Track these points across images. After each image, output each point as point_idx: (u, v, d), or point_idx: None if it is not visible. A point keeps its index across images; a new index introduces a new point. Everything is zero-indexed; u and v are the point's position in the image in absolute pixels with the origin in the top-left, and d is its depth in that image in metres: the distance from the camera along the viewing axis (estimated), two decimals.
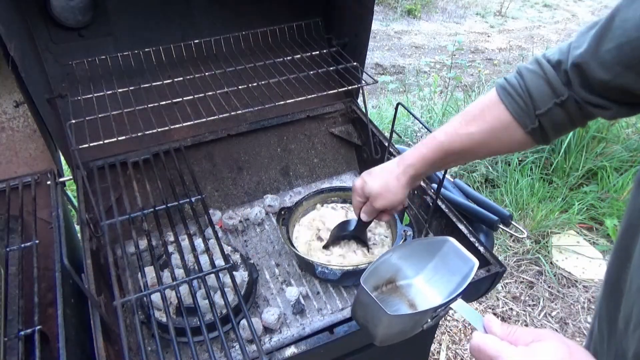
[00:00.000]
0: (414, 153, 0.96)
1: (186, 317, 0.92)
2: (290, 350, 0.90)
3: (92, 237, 1.07)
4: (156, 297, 1.02)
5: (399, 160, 0.99)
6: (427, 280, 0.82)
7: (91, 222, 1.10)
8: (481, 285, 1.07)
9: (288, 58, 1.37)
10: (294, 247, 1.18)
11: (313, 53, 1.39)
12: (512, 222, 1.22)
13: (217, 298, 1.05)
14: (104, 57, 1.25)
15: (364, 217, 1.10)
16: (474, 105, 0.87)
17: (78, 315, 0.97)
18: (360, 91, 1.44)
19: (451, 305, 0.72)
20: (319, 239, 1.25)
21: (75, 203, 1.20)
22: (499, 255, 2.46)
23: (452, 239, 0.80)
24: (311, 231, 1.28)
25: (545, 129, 0.80)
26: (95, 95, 1.19)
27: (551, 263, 2.44)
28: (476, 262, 0.76)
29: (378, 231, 1.28)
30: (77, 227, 1.24)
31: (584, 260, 2.45)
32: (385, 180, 1.00)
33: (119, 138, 1.07)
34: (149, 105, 1.17)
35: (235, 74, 1.32)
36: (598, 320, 0.75)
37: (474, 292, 1.12)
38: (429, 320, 0.75)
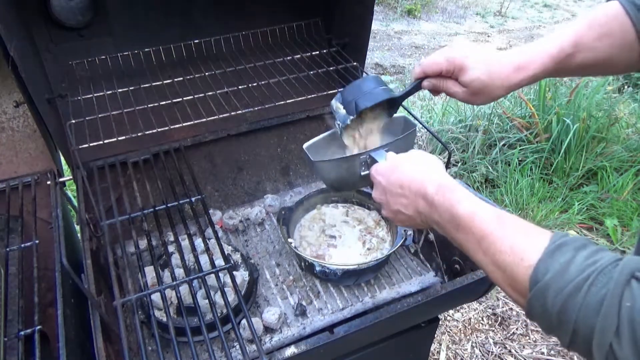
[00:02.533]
0: (534, 59, 0.82)
1: (186, 317, 0.92)
2: (291, 350, 0.90)
3: (92, 237, 1.07)
4: (156, 297, 1.02)
5: (512, 61, 0.83)
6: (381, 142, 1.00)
7: (91, 222, 1.10)
8: (481, 285, 1.07)
9: (288, 58, 1.37)
10: (295, 248, 1.18)
11: (313, 53, 1.39)
12: None
13: (217, 298, 1.05)
14: (104, 57, 1.25)
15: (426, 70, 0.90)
16: (599, 16, 0.79)
17: (78, 315, 0.97)
18: None
19: (370, 154, 0.89)
20: (327, 235, 1.26)
21: (75, 203, 1.20)
22: None
23: (406, 115, 1.02)
24: (315, 231, 1.28)
25: None
26: (95, 95, 1.19)
27: None
28: (415, 125, 0.98)
29: (377, 232, 1.28)
30: (77, 227, 1.24)
31: None
32: (493, 74, 0.84)
33: (119, 138, 1.07)
34: (149, 105, 1.17)
35: (235, 74, 1.32)
36: None
37: (474, 292, 1.12)
38: (363, 169, 0.91)
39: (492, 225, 0.61)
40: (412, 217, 0.75)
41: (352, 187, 1.08)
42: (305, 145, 0.95)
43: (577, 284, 0.50)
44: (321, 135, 0.99)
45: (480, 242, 0.62)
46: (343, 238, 1.26)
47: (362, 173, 0.91)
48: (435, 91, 0.92)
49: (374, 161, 0.87)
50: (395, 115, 1.00)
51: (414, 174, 0.74)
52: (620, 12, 0.78)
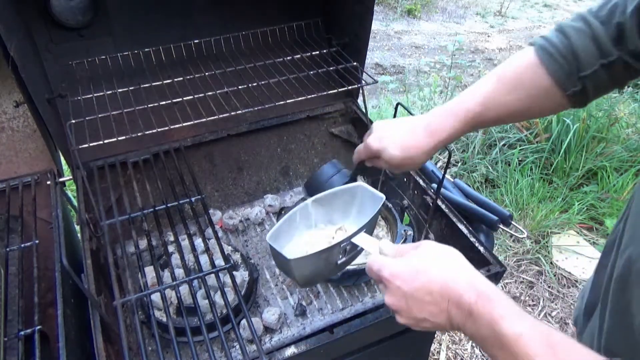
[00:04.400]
0: (444, 124, 0.87)
1: (186, 317, 0.92)
2: (291, 350, 0.90)
3: (92, 237, 1.07)
4: (156, 297, 1.02)
5: (425, 128, 0.89)
6: (356, 223, 0.89)
7: (91, 222, 1.10)
8: None
9: (288, 58, 1.37)
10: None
11: (313, 53, 1.39)
12: (512, 222, 1.22)
13: (217, 298, 1.05)
14: (104, 57, 1.25)
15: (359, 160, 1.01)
16: (509, 67, 0.82)
17: (78, 315, 0.97)
18: (360, 91, 1.43)
19: (352, 240, 0.79)
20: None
21: (75, 203, 1.20)
22: (499, 255, 2.46)
23: (362, 183, 0.89)
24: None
25: (587, 91, 0.75)
26: (95, 95, 1.19)
27: (551, 263, 2.44)
28: (383, 197, 0.84)
29: (377, 232, 1.28)
30: (77, 227, 1.24)
31: (584, 260, 2.45)
32: (408, 148, 0.90)
33: (119, 138, 1.07)
34: (149, 105, 1.16)
35: (235, 74, 1.32)
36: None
37: None
38: (340, 257, 0.81)
39: (543, 355, 0.55)
40: (441, 325, 0.66)
41: (324, 278, 0.99)
42: (268, 238, 0.80)
43: None
44: (279, 222, 0.84)
45: None
46: None
47: (339, 262, 0.83)
48: (375, 167, 1.01)
49: (354, 247, 0.80)
50: (353, 185, 0.90)
51: (445, 278, 0.64)
52: (534, 61, 0.78)
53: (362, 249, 0.81)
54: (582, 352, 0.55)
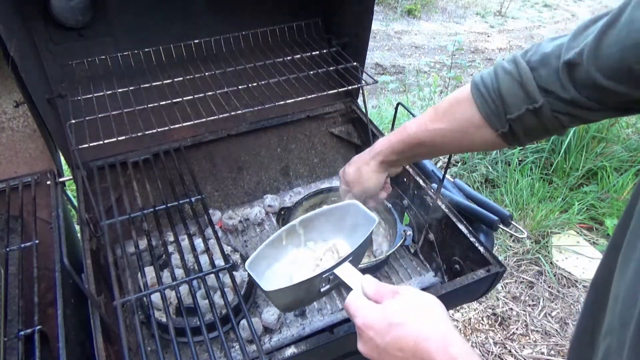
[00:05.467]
0: (383, 141, 0.98)
1: (186, 317, 0.92)
2: (290, 350, 0.90)
3: (92, 237, 1.07)
4: (156, 297, 1.02)
5: (370, 148, 1.02)
6: (347, 241, 0.89)
7: (91, 222, 1.10)
8: (481, 285, 1.07)
9: (288, 58, 1.37)
10: None
11: (313, 53, 1.39)
12: (512, 222, 1.22)
13: (217, 298, 1.05)
14: (104, 57, 1.25)
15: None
16: (447, 99, 0.85)
17: (78, 315, 0.97)
18: (360, 91, 1.44)
19: (335, 272, 0.76)
20: None
21: (75, 203, 1.20)
22: (499, 255, 2.46)
23: (356, 202, 0.87)
24: None
25: (517, 133, 0.76)
26: (95, 95, 1.19)
27: (551, 263, 2.44)
28: (375, 220, 0.83)
29: (376, 232, 1.28)
30: (77, 227, 1.24)
31: (584, 260, 2.45)
32: (358, 167, 1.03)
33: (119, 138, 1.07)
34: (149, 105, 1.16)
35: (235, 74, 1.32)
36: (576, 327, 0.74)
37: (474, 292, 1.12)
38: (323, 284, 0.79)
39: None
40: None
41: (307, 304, 1.00)
42: (247, 265, 0.78)
43: None
44: (260, 247, 0.82)
45: None
46: None
47: (322, 290, 0.81)
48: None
49: (337, 277, 0.78)
50: (346, 204, 0.89)
51: (417, 336, 0.62)
52: (468, 97, 0.80)
53: (331, 276, 0.79)
54: None
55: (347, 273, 0.76)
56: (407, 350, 0.62)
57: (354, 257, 0.79)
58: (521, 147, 2.90)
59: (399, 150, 0.96)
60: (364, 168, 1.02)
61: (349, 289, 0.74)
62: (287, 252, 0.88)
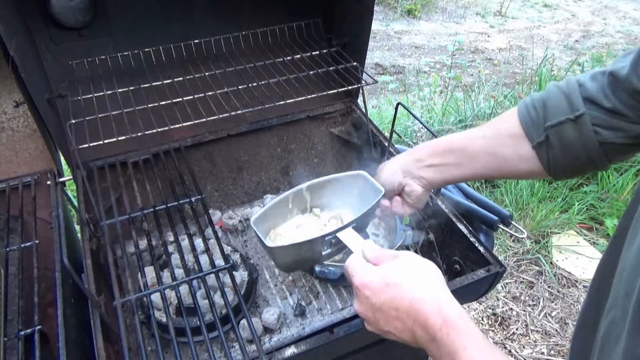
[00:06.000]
0: (423, 144, 0.93)
1: (186, 317, 0.92)
2: (290, 350, 0.90)
3: (92, 237, 1.07)
4: (156, 297, 1.02)
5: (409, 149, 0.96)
6: (353, 213, 0.89)
7: (91, 222, 1.10)
8: (481, 285, 1.07)
9: (288, 58, 1.37)
10: None
11: (313, 53, 1.39)
12: (512, 222, 1.22)
13: (217, 298, 1.05)
14: (104, 57, 1.25)
15: None
16: (498, 116, 0.86)
17: (78, 315, 0.97)
18: (360, 91, 1.44)
19: (337, 235, 0.78)
20: None
21: (75, 203, 1.20)
22: (499, 255, 2.46)
23: (364, 172, 0.87)
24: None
25: (553, 146, 0.74)
26: (95, 95, 1.19)
27: (551, 263, 2.44)
28: (382, 190, 0.84)
29: (376, 232, 1.28)
30: (77, 227, 1.24)
31: (584, 260, 2.45)
32: (388, 162, 0.97)
33: (119, 138, 1.06)
34: (149, 105, 1.16)
35: (235, 74, 1.32)
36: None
37: (474, 292, 1.12)
38: (325, 248, 0.80)
39: None
40: (406, 341, 0.67)
41: (308, 266, 0.99)
42: (253, 221, 0.80)
43: None
44: (266, 206, 0.84)
45: None
46: None
47: (324, 252, 0.82)
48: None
49: (340, 241, 0.78)
50: (354, 173, 0.90)
51: (413, 297, 0.63)
52: (513, 110, 0.80)
53: (333, 239, 0.80)
54: None
55: (350, 237, 0.78)
56: (401, 309, 0.63)
57: (358, 225, 0.80)
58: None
59: (426, 153, 0.90)
60: (389, 163, 0.96)
61: (350, 254, 0.75)
62: (292, 215, 0.90)
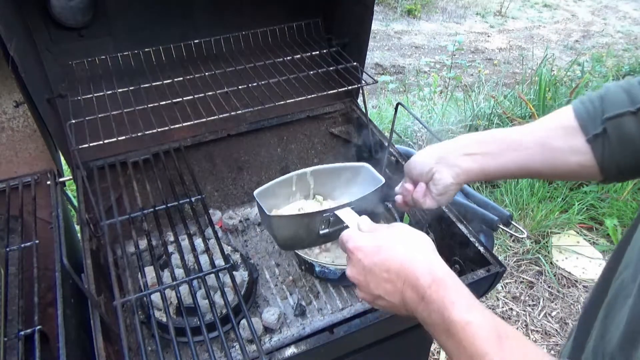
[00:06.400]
0: (467, 134, 0.87)
1: (186, 317, 0.92)
2: (290, 350, 0.90)
3: (92, 237, 1.07)
4: (156, 297, 1.02)
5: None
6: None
7: (91, 222, 1.10)
8: (481, 285, 1.07)
9: (288, 58, 1.37)
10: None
11: (313, 53, 1.39)
12: (512, 222, 1.22)
13: (217, 298, 1.05)
14: (104, 57, 1.25)
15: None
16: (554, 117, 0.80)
17: (78, 315, 0.97)
18: (360, 91, 1.44)
19: (336, 212, 0.80)
20: None
21: (75, 203, 1.20)
22: (499, 255, 2.46)
23: (367, 164, 0.90)
24: None
25: (610, 139, 0.70)
26: (95, 95, 1.19)
27: (551, 263, 2.44)
28: (382, 180, 0.86)
29: None
30: (77, 227, 1.24)
31: (584, 260, 2.45)
32: (426, 147, 0.91)
33: (119, 138, 1.07)
34: (149, 105, 1.16)
35: (235, 74, 1.32)
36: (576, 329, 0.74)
37: (474, 292, 1.12)
38: (323, 227, 0.82)
39: (489, 344, 0.53)
40: (395, 306, 0.66)
41: (305, 245, 0.98)
42: (256, 193, 0.82)
43: None
44: (271, 182, 0.86)
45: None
46: None
47: (321, 232, 0.82)
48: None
49: (339, 221, 0.79)
50: (358, 164, 0.90)
51: (404, 258, 0.64)
52: (568, 106, 0.77)
53: (346, 226, 0.81)
54: (530, 347, 0.53)
55: (347, 215, 0.80)
56: (392, 270, 0.65)
57: (357, 209, 0.82)
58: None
59: (467, 141, 0.84)
60: (429, 146, 0.90)
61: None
62: (295, 199, 0.91)
